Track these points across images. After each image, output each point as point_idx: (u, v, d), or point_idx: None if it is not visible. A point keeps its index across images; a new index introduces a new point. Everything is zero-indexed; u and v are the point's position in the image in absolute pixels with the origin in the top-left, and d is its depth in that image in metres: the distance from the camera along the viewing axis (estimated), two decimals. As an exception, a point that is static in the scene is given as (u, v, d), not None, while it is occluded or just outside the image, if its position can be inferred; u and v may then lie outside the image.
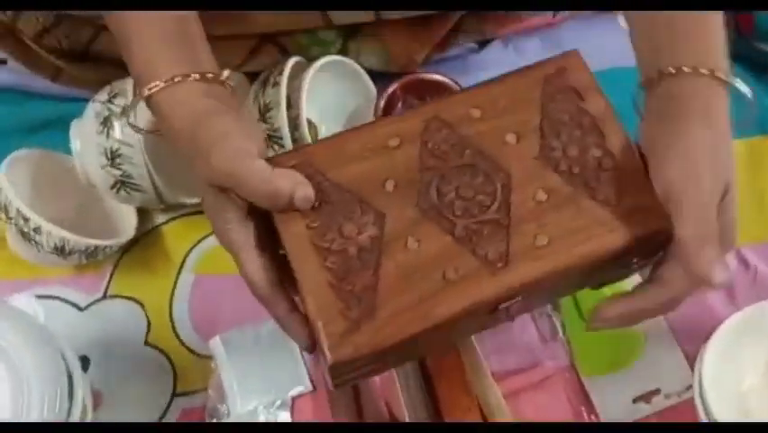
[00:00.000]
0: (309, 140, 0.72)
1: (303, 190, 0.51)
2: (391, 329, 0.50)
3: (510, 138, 0.54)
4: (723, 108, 0.54)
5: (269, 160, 0.53)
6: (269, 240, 0.53)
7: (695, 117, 0.53)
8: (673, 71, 0.54)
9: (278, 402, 0.70)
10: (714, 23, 0.56)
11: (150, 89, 0.54)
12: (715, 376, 0.63)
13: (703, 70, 0.54)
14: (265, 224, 0.53)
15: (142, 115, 0.59)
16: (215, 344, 0.71)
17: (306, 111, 0.72)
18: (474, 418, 0.66)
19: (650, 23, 0.57)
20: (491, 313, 0.54)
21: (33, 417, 0.59)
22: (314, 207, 0.52)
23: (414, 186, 0.53)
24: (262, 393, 0.69)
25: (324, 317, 0.50)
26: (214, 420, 0.69)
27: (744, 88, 0.55)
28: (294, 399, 0.70)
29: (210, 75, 0.55)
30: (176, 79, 0.54)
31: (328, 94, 0.77)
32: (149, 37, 0.56)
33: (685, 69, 0.54)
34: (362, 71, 0.78)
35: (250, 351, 0.70)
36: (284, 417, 0.69)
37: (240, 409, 0.69)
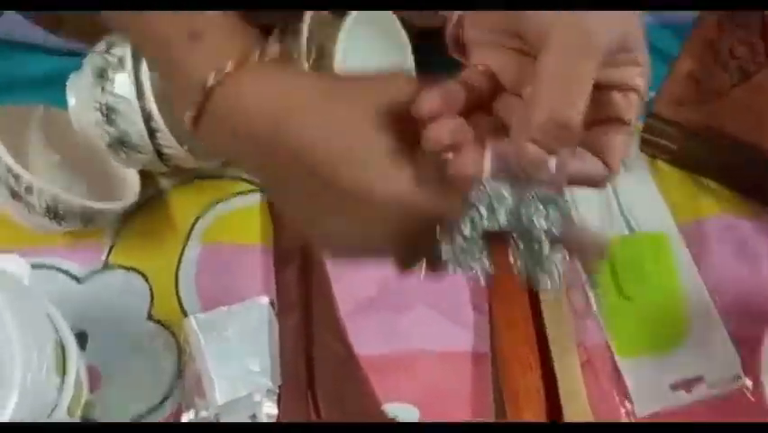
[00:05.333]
0: None
1: None
2: None
3: None
4: None
5: None
6: None
7: None
8: None
9: (264, 390, 0.60)
10: None
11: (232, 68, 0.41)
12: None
13: None
14: None
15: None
16: (189, 326, 0.62)
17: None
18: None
19: None
20: None
21: (15, 382, 0.50)
22: None
23: None
24: (245, 381, 0.60)
25: None
26: (191, 414, 0.60)
27: None
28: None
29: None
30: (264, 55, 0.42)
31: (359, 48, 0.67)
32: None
33: None
34: (399, 26, 0.68)
35: (228, 333, 0.62)
36: (269, 405, 0.60)
37: (219, 399, 0.60)
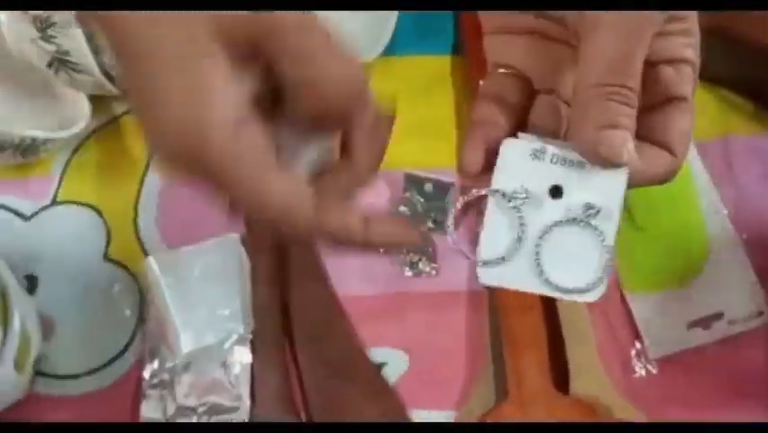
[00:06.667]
0: None
1: None
2: None
3: None
4: None
5: None
6: None
7: None
8: None
9: (235, 336, 0.55)
10: None
11: None
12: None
13: None
14: None
15: None
16: (149, 267, 0.56)
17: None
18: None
19: None
20: None
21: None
22: None
23: None
24: (213, 328, 0.55)
25: None
26: (155, 364, 0.55)
27: None
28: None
29: None
30: None
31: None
32: None
33: None
34: None
35: (193, 275, 0.56)
36: (242, 351, 0.55)
37: (185, 347, 0.54)
